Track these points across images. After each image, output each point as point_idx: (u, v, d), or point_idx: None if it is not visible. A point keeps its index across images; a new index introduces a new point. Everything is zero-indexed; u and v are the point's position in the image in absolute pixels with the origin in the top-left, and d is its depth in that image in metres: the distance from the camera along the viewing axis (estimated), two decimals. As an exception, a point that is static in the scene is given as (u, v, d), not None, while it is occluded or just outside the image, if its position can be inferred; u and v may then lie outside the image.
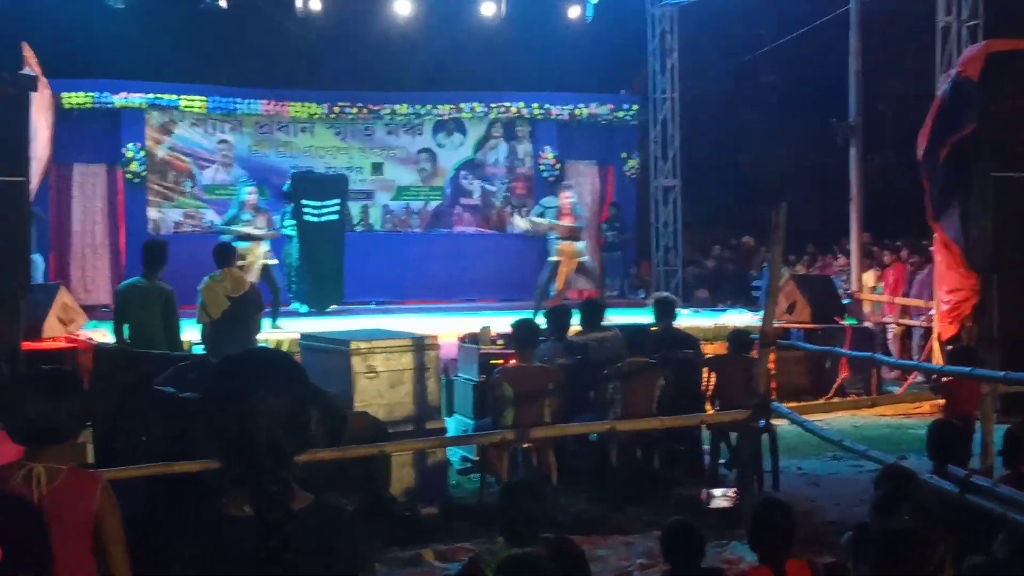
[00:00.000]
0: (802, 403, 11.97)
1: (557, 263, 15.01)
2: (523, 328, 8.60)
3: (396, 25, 18.07)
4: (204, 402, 2.33)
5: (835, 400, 12.55)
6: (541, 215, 18.78)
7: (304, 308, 15.85)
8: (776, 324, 10.70)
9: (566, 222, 15.02)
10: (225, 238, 13.48)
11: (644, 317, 14.05)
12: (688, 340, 9.99)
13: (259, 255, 13.76)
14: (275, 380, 2.31)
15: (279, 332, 12.62)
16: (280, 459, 2.26)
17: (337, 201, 16.55)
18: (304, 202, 15.93)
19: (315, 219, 15.96)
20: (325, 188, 16.62)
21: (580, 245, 15.15)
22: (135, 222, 17.70)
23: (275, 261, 14.05)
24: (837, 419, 11.71)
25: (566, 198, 15.24)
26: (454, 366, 10.40)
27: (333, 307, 16.34)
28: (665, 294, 10.82)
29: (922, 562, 3.89)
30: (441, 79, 19.33)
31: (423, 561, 7.01)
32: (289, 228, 15.85)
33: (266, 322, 12.21)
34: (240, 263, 13.66)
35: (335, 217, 16.46)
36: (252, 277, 13.51)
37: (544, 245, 18.84)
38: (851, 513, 7.58)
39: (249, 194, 14.01)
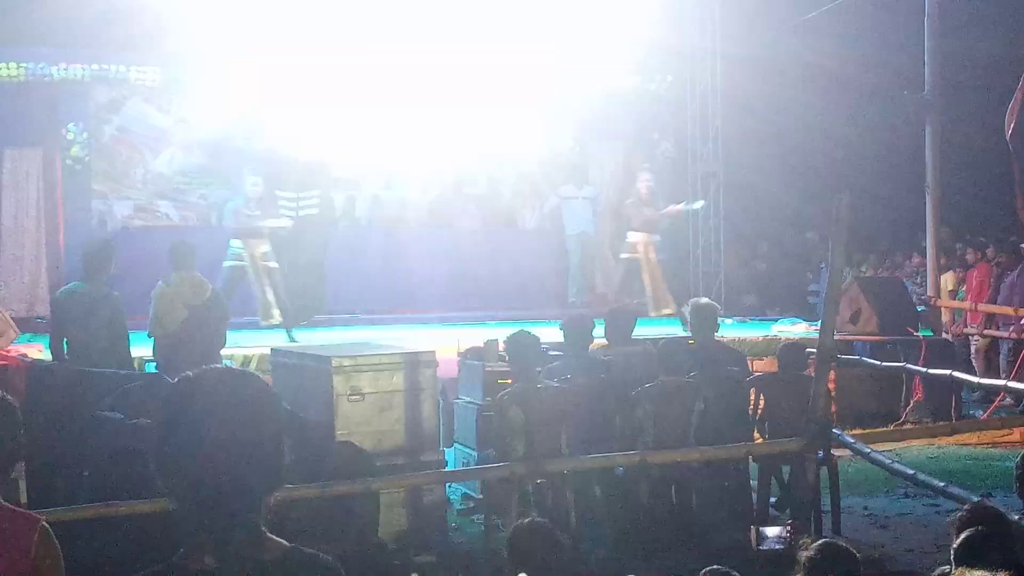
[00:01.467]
0: (868, 430, 11.97)
1: (633, 259, 15.26)
2: (519, 341, 8.57)
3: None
4: (157, 431, 2.33)
5: (907, 427, 12.54)
6: (556, 206, 18.81)
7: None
8: (837, 336, 10.71)
9: (646, 212, 15.31)
10: (229, 222, 13.70)
11: (679, 329, 14.07)
12: (733, 356, 10.00)
13: (257, 255, 13.89)
14: (242, 405, 2.30)
15: (247, 347, 12.64)
16: (248, 500, 2.26)
17: (316, 192, 16.57)
18: (277, 193, 15.94)
19: (290, 214, 15.97)
20: (304, 175, 16.61)
21: (658, 239, 15.45)
22: (77, 217, 17.72)
23: (275, 264, 14.16)
24: (910, 449, 11.70)
25: (645, 181, 15.51)
26: (454, 387, 10.41)
27: (312, 317, 16.35)
28: (704, 300, 10.81)
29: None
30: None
31: (418, 618, 7.02)
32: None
33: (240, 336, 12.29)
34: (237, 263, 13.83)
35: (314, 212, 16.47)
36: (252, 282, 13.77)
37: (561, 244, 18.90)
38: (926, 561, 7.57)
39: (253, 185, 14.18)
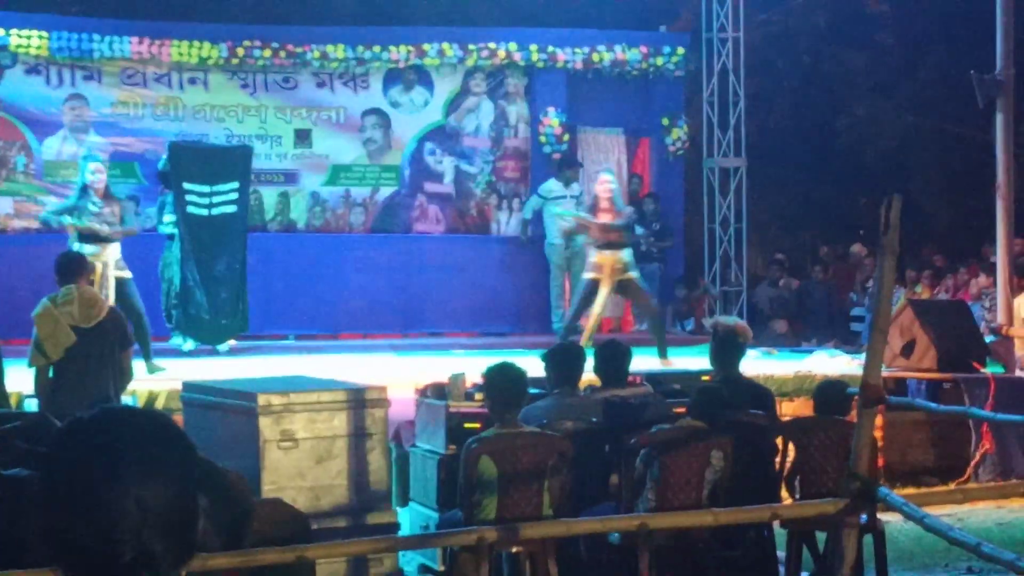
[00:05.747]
0: (923, 489, 11.99)
1: (595, 281, 14.97)
2: (502, 376, 8.57)
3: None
4: (41, 488, 2.32)
5: (972, 485, 12.55)
6: (539, 209, 18.77)
7: (189, 343, 15.81)
8: (886, 373, 10.71)
9: (605, 220, 14.96)
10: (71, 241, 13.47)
11: (696, 360, 14.13)
12: (759, 395, 9.96)
13: (109, 263, 13.67)
14: (148, 456, 2.30)
15: (149, 380, 12.62)
16: (154, 572, 2.26)
17: (235, 185, 16.54)
18: (186, 186, 15.85)
19: (203, 212, 15.90)
20: (218, 165, 16.55)
21: (626, 254, 15.13)
22: (-59, 216, 17.71)
23: (128, 274, 13.94)
24: (975, 513, 11.73)
25: (605, 184, 15.18)
26: (410, 432, 10.40)
27: (232, 343, 16.33)
28: (732, 320, 10.62)
29: None
30: (396, 8, 19.39)
31: None
32: (168, 225, 15.83)
33: (138, 365, 12.21)
34: None
35: (232, 209, 16.42)
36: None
37: (541, 252, 18.91)
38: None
39: (94, 172, 13.97)
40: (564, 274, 18.51)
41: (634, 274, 15.25)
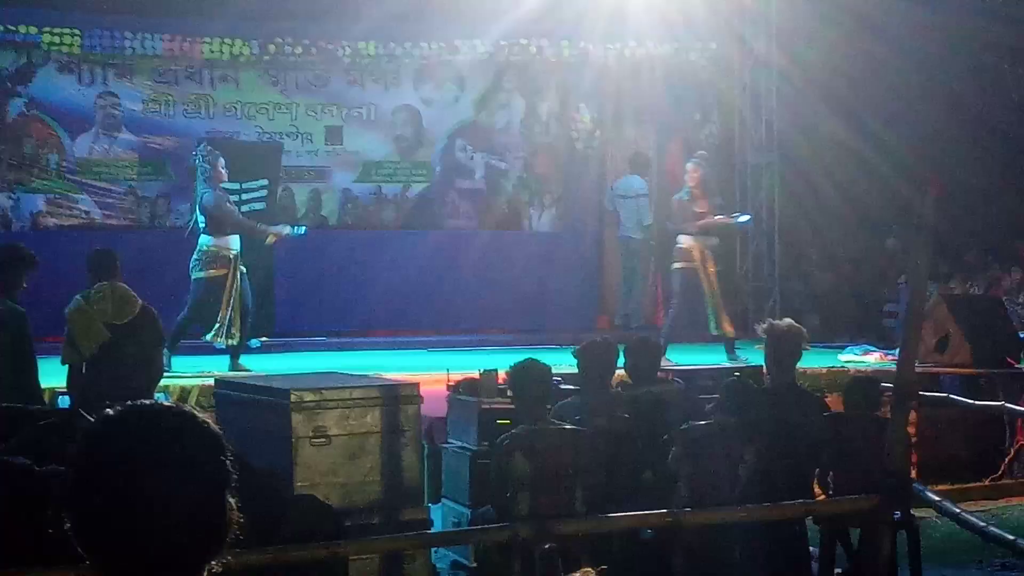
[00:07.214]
0: (958, 485, 11.95)
1: (689, 270, 15.00)
2: (525, 374, 8.56)
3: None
4: (71, 485, 2.32)
5: (1007, 481, 12.51)
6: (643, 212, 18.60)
7: (219, 341, 15.84)
8: (919, 368, 10.68)
9: (701, 209, 14.95)
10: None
11: (714, 356, 14.14)
12: (810, 403, 9.80)
13: (236, 259, 13.54)
14: (177, 452, 2.30)
15: (184, 378, 12.64)
16: (184, 569, 2.25)
17: (264, 182, 16.57)
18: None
19: (234, 208, 15.99)
20: (247, 162, 16.61)
21: (715, 241, 15.15)
22: (-26, 214, 17.78)
23: (243, 268, 13.82)
24: (1010, 508, 11.68)
25: (695, 173, 15.11)
26: (442, 428, 10.40)
27: (263, 339, 16.35)
28: (787, 323, 10.35)
29: None
30: (427, 5, 19.37)
31: None
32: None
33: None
34: (206, 273, 13.53)
35: (261, 206, 16.47)
36: (232, 293, 13.42)
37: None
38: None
39: (224, 168, 13.84)
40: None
41: (717, 267, 15.23)
